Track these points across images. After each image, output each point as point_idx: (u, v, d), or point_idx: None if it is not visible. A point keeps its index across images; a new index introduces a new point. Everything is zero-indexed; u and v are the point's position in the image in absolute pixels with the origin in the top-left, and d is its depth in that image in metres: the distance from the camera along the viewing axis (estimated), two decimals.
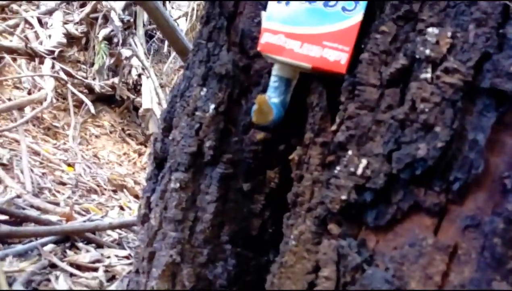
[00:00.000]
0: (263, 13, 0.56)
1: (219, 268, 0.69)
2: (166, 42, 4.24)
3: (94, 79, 3.39)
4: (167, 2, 4.57)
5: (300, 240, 0.51)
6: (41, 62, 3.11)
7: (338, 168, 0.46)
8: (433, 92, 0.40)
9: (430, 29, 0.41)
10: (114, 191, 2.23)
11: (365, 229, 0.46)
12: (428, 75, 0.40)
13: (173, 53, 4.02)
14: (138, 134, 3.62)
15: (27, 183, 1.59)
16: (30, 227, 0.96)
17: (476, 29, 0.39)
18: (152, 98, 3.40)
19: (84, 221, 1.13)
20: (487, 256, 0.38)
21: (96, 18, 3.60)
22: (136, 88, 3.62)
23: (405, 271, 0.41)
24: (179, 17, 4.65)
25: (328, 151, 0.50)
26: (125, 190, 2.22)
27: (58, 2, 3.73)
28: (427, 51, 0.40)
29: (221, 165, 0.67)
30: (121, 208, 1.90)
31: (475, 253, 0.39)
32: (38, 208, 1.25)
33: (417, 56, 0.42)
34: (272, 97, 0.58)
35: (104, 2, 3.53)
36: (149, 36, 4.46)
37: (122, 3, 3.60)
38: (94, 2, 3.45)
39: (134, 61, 3.46)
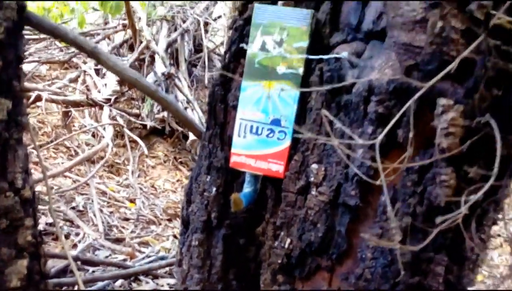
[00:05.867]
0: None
1: None
2: (206, 71, 4.62)
3: (147, 116, 3.83)
4: (207, 33, 4.95)
5: (265, 284, 0.81)
6: (101, 108, 3.60)
7: (276, 242, 0.77)
8: (315, 204, 0.69)
9: (313, 165, 0.70)
10: (169, 220, 2.62)
11: (297, 279, 0.76)
12: (314, 193, 0.70)
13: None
14: (189, 161, 4.02)
15: (99, 225, 2.00)
16: (106, 274, 1.34)
17: (336, 167, 0.68)
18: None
19: (143, 258, 1.50)
20: None
21: (144, 59, 4.08)
22: None
23: None
24: (216, 47, 5.05)
25: (276, 229, 0.80)
26: (178, 218, 2.60)
27: (110, 49, 4.24)
28: (312, 178, 0.70)
29: (224, 228, 0.99)
30: (175, 237, 2.26)
31: None
32: (108, 248, 1.64)
33: (310, 180, 0.71)
34: (246, 187, 0.89)
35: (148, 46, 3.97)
36: (193, 65, 4.87)
37: (164, 45, 4.04)
38: (140, 48, 3.91)
39: (180, 95, 3.87)
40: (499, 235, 2.88)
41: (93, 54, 1.08)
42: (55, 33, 1.02)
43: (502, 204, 0.76)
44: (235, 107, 0.95)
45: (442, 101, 0.57)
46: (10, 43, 0.76)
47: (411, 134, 0.53)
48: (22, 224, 0.72)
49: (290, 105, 0.79)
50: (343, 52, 0.70)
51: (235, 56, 0.93)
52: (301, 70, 0.77)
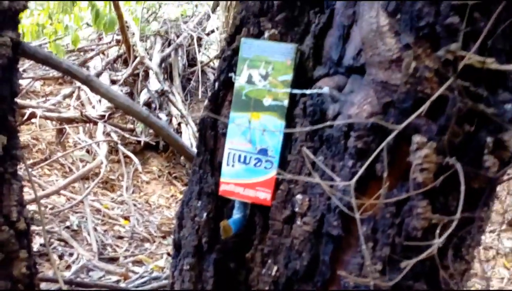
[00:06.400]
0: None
1: None
2: (200, 86, 4.64)
3: (141, 132, 3.85)
4: (201, 48, 5.00)
5: None
6: (95, 124, 3.62)
7: (264, 269, 0.79)
8: (300, 234, 0.72)
9: (298, 196, 0.73)
10: (163, 237, 2.62)
11: None
12: (299, 223, 0.72)
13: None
14: (183, 175, 4.02)
15: (93, 244, 2.01)
16: None
17: (319, 198, 0.71)
18: (192, 143, 3.81)
19: (137, 278, 1.52)
20: None
21: (138, 74, 4.11)
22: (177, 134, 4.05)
23: None
24: (210, 60, 5.09)
25: (264, 256, 0.82)
26: (172, 235, 2.61)
27: (104, 64, 4.28)
28: (297, 208, 0.73)
29: (214, 252, 1.01)
30: (169, 254, 2.27)
31: None
32: (102, 269, 1.65)
33: (295, 210, 0.74)
34: (236, 214, 0.92)
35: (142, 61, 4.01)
36: (186, 80, 4.91)
37: (158, 60, 4.08)
38: (134, 64, 3.94)
39: (174, 110, 3.90)
40: (491, 248, 2.92)
41: (86, 82, 1.11)
42: (49, 63, 1.05)
43: (484, 226, 0.79)
44: (225, 135, 0.98)
45: (416, 138, 0.60)
46: (5, 79, 0.79)
47: (385, 174, 0.56)
48: (17, 256, 0.74)
49: (276, 136, 0.82)
50: (325, 88, 0.73)
51: (224, 85, 0.96)
52: (286, 102, 0.81)
